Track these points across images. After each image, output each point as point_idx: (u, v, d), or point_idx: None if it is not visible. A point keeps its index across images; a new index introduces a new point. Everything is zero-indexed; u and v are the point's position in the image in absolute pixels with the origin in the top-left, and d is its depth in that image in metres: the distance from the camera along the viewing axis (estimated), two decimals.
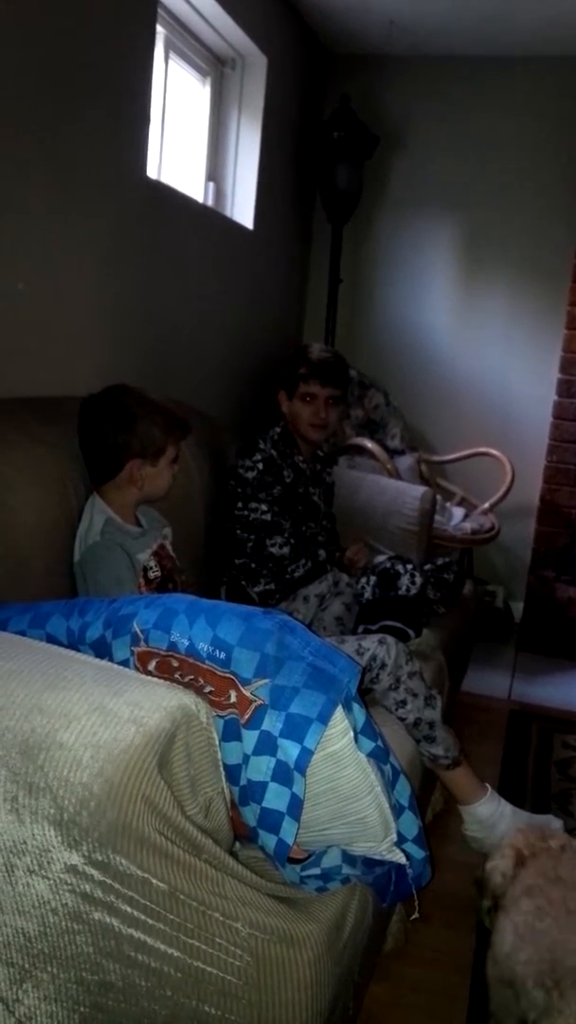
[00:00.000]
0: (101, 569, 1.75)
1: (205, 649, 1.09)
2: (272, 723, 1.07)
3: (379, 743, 1.18)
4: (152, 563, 1.87)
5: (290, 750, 1.07)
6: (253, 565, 2.29)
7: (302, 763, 1.07)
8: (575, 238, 3.59)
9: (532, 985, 1.31)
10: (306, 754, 1.06)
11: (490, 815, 1.90)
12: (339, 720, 1.11)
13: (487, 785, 1.92)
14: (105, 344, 2.37)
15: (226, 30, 2.98)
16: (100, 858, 1.00)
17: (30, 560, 1.68)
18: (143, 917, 1.04)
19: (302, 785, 1.08)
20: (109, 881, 1.01)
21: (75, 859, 1.00)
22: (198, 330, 2.97)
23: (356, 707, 1.16)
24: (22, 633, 1.20)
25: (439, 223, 3.84)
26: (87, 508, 1.82)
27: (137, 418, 1.83)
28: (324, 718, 1.06)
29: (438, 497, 3.35)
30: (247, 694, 1.08)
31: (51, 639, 1.18)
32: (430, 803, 2.03)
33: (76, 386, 1.93)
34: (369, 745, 1.16)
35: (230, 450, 2.55)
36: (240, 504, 2.30)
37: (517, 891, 1.46)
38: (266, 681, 1.07)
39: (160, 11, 2.62)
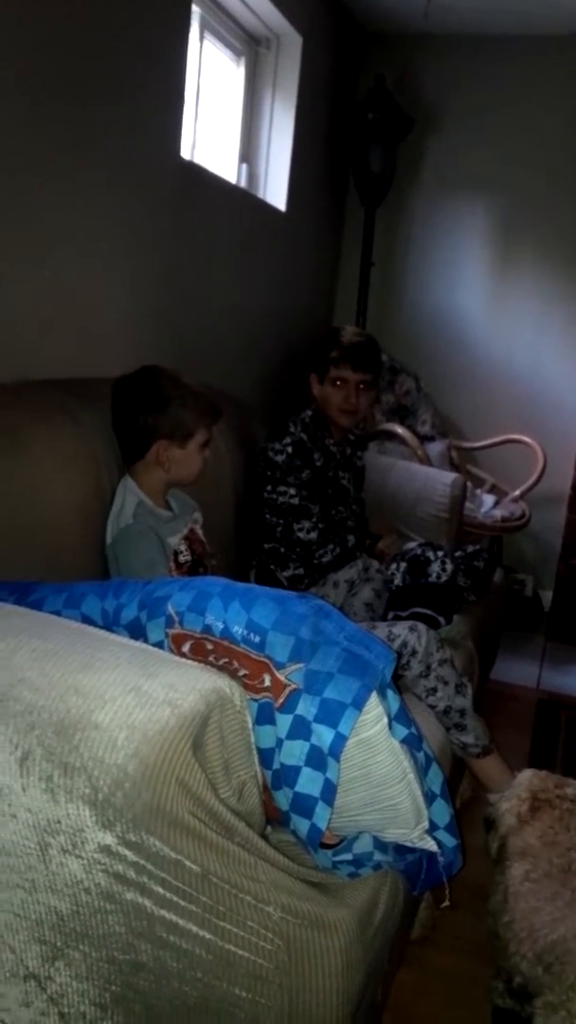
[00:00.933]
0: (133, 552, 1.75)
1: (240, 632, 1.08)
2: (306, 708, 1.06)
3: (412, 730, 1.17)
4: (183, 547, 1.87)
5: (324, 735, 1.06)
6: (282, 549, 2.28)
7: (336, 748, 1.06)
8: None
9: (513, 951, 1.33)
10: (340, 739, 1.05)
11: None
12: (373, 706, 1.10)
13: (517, 775, 1.90)
14: (139, 325, 2.37)
15: (261, 9, 2.95)
16: (134, 839, 1.00)
17: (64, 539, 1.69)
18: (175, 898, 1.04)
19: (336, 770, 1.07)
20: (142, 862, 1.01)
21: (109, 839, 1.00)
22: (230, 312, 2.96)
23: (391, 693, 1.15)
24: (57, 613, 1.20)
25: (473, 206, 3.79)
26: (119, 490, 1.82)
27: (168, 400, 1.83)
28: (358, 703, 1.05)
29: (468, 484, 3.32)
30: (281, 678, 1.07)
31: (86, 620, 1.18)
32: (459, 791, 2.02)
33: (110, 367, 1.92)
34: (403, 732, 1.15)
35: (260, 433, 2.54)
36: (269, 487, 2.29)
37: (518, 845, 1.47)
38: (301, 665, 1.07)
39: None
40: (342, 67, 3.66)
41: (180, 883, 1.03)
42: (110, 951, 1.08)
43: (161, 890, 1.03)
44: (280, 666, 1.07)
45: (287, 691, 1.07)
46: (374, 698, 1.10)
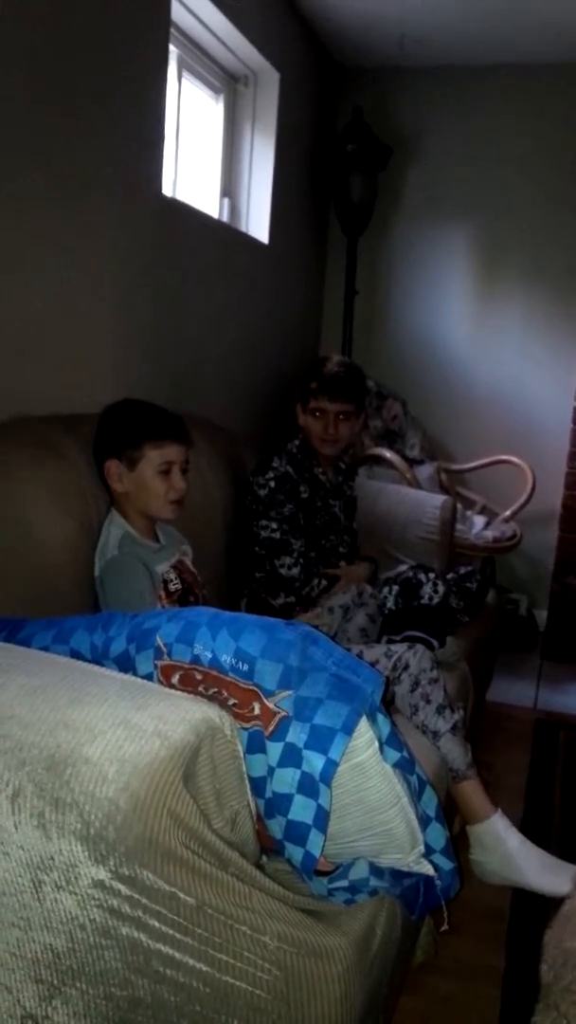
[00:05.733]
0: (121, 583, 1.75)
1: (228, 661, 1.09)
2: (296, 735, 1.07)
3: (404, 753, 1.18)
4: (172, 575, 1.88)
5: (315, 762, 1.06)
6: (272, 580, 2.30)
7: (327, 774, 1.06)
8: None
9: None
10: (331, 765, 1.06)
11: (492, 840, 1.84)
12: (364, 731, 1.10)
13: (497, 809, 1.87)
14: (124, 360, 2.39)
15: (238, 47, 3.01)
16: (127, 872, 1.00)
17: (53, 575, 1.70)
18: (171, 932, 1.03)
19: (328, 797, 1.08)
20: (136, 896, 1.01)
21: (102, 874, 1.00)
22: (216, 344, 2.99)
23: (381, 718, 1.15)
24: (46, 649, 1.21)
25: (454, 232, 3.84)
26: (106, 523, 1.83)
27: (115, 417, 1.85)
28: (348, 729, 1.06)
29: (459, 506, 3.34)
30: (271, 706, 1.08)
31: (75, 654, 1.19)
32: (457, 814, 2.01)
33: (96, 403, 1.94)
34: (395, 756, 1.16)
35: (250, 464, 2.56)
36: (254, 520, 2.32)
37: None
38: (290, 693, 1.07)
39: (173, 31, 2.65)
40: (320, 101, 3.73)
41: (175, 916, 1.03)
42: (107, 987, 1.07)
43: (157, 924, 1.03)
44: (269, 694, 1.08)
45: (277, 719, 1.08)
46: (364, 723, 1.10)
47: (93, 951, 1.06)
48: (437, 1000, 1.67)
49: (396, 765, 1.16)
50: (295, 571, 2.30)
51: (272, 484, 2.34)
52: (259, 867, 1.18)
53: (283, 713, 1.07)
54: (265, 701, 1.08)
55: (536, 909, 1.90)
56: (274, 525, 2.32)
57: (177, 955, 1.05)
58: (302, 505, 2.40)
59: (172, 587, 1.87)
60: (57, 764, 0.99)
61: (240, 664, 1.08)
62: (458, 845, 1.83)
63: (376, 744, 1.12)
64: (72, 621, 1.22)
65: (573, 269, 3.65)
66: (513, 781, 2.50)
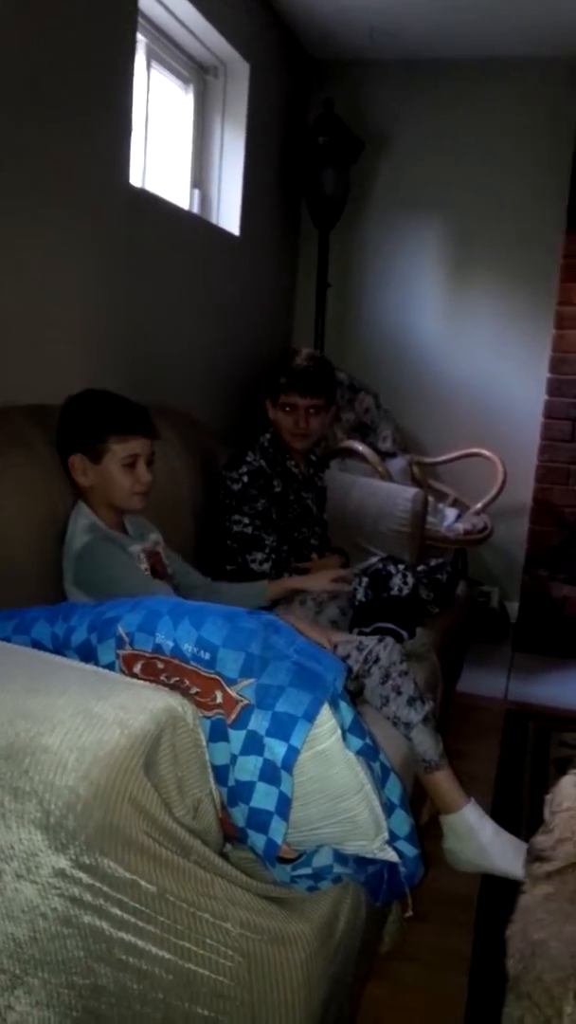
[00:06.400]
0: (105, 563, 1.73)
1: (190, 650, 1.09)
2: (258, 722, 1.07)
3: (367, 741, 1.18)
4: (142, 560, 1.87)
5: (277, 749, 1.07)
6: (243, 574, 2.30)
7: (289, 761, 1.06)
8: (562, 237, 3.60)
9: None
10: (292, 752, 1.06)
11: (466, 829, 1.85)
12: (326, 719, 1.11)
13: (470, 798, 1.89)
14: (94, 351, 2.38)
15: (208, 38, 3.00)
16: (88, 861, 0.99)
17: (17, 569, 1.68)
18: (133, 919, 1.03)
19: (290, 784, 1.08)
20: (98, 884, 1.01)
21: (63, 863, 1.00)
22: (187, 336, 2.97)
23: (343, 705, 1.16)
24: (7, 639, 1.20)
25: (426, 225, 3.85)
26: (72, 515, 1.81)
27: (77, 410, 1.82)
28: (310, 716, 1.06)
29: (430, 498, 3.35)
30: (233, 694, 1.08)
31: (36, 644, 1.18)
32: (426, 802, 2.02)
33: (63, 393, 1.92)
34: (357, 743, 1.16)
35: (222, 456, 2.55)
36: (226, 515, 2.32)
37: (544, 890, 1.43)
38: (251, 681, 1.07)
39: (141, 20, 2.63)
40: (291, 92, 3.72)
41: (137, 903, 1.03)
42: (70, 976, 1.07)
43: (118, 911, 1.03)
44: (231, 682, 1.08)
45: (239, 707, 1.08)
46: (327, 710, 1.10)
47: (55, 940, 1.05)
48: (404, 988, 1.67)
49: (359, 752, 1.16)
50: (266, 566, 2.30)
51: (245, 479, 2.34)
52: (223, 855, 1.18)
53: (245, 701, 1.07)
54: (227, 689, 1.08)
55: (504, 897, 1.91)
56: (247, 520, 2.32)
57: (139, 943, 1.05)
58: (275, 499, 2.40)
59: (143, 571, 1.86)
60: (16, 753, 0.99)
61: (202, 653, 1.08)
62: (425, 834, 1.85)
63: (339, 732, 1.12)
64: (33, 612, 1.22)
65: (544, 263, 3.67)
66: (483, 771, 2.51)
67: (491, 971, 1.69)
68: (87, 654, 1.15)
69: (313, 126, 3.58)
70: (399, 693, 1.86)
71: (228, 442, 2.76)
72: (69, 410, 1.84)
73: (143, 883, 1.01)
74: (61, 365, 2.21)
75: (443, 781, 1.88)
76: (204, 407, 3.03)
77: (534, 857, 1.54)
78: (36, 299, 2.09)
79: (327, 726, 1.11)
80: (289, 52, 3.65)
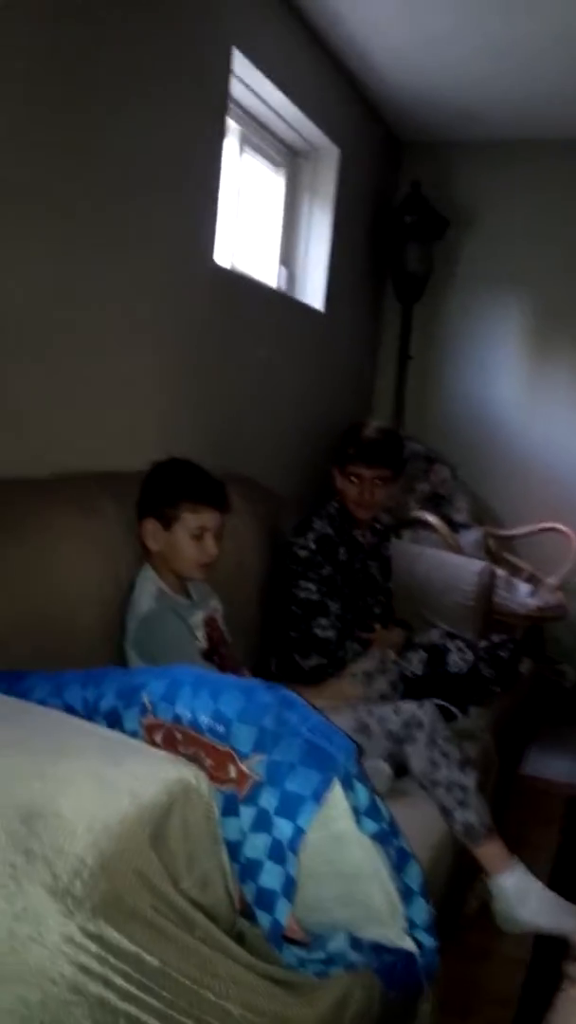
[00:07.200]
0: (159, 636, 1.79)
1: (206, 722, 1.12)
2: (268, 800, 1.08)
3: (383, 825, 1.18)
4: (200, 633, 1.92)
5: (284, 828, 1.07)
6: (306, 641, 2.31)
7: (295, 842, 1.07)
8: None
9: None
10: (299, 833, 1.07)
11: (518, 889, 1.82)
12: (339, 800, 1.11)
13: (516, 858, 1.85)
14: (173, 421, 2.46)
15: (299, 124, 3.13)
16: (93, 929, 1.01)
17: (77, 632, 1.75)
18: (137, 992, 1.04)
19: (295, 865, 1.08)
20: (104, 953, 1.03)
21: (71, 929, 1.02)
22: (268, 408, 3.05)
23: (360, 787, 1.15)
24: (43, 702, 1.25)
25: (508, 301, 3.87)
26: (139, 578, 1.88)
27: (158, 476, 1.90)
28: (318, 797, 1.07)
29: (504, 572, 3.31)
30: (245, 769, 1.10)
31: (69, 709, 1.23)
32: (474, 890, 1.96)
33: (138, 460, 1.99)
34: (373, 827, 1.16)
35: (288, 524, 2.59)
36: (292, 581, 2.34)
37: None
38: (263, 757, 1.09)
39: (234, 107, 2.78)
40: (379, 173, 3.83)
41: (141, 976, 1.04)
42: None
43: (123, 983, 1.04)
44: (244, 757, 1.10)
45: (250, 782, 1.09)
46: (339, 791, 1.11)
47: (64, 1007, 1.07)
48: None
49: (375, 836, 1.16)
50: (330, 633, 2.31)
51: (312, 546, 2.37)
52: (239, 931, 1.18)
53: (256, 777, 1.09)
54: (240, 764, 1.10)
55: (546, 995, 1.83)
56: (312, 587, 2.34)
57: (143, 1016, 1.05)
58: (340, 567, 2.42)
59: (199, 646, 1.90)
60: (30, 816, 1.03)
61: (217, 725, 1.11)
62: (474, 925, 1.80)
63: (352, 814, 1.12)
64: (68, 675, 1.27)
65: None
66: (540, 856, 2.42)
67: None
68: (114, 721, 1.19)
69: (400, 206, 3.68)
70: (447, 757, 1.82)
71: (299, 511, 2.80)
72: (152, 475, 1.93)
73: (145, 956, 1.03)
74: (136, 432, 2.30)
75: (494, 846, 1.85)
76: (282, 479, 3.08)
77: (573, 957, 1.50)
78: (115, 367, 2.19)
79: (340, 808, 1.11)
80: (378, 135, 3.77)
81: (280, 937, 1.11)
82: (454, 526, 3.31)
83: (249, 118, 3.00)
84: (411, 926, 1.23)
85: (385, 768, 1.84)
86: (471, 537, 3.40)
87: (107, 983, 1.04)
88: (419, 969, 1.24)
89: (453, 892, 1.85)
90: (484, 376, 3.90)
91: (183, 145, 2.34)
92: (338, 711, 1.94)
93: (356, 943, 1.21)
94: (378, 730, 1.86)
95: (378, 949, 1.22)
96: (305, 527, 2.41)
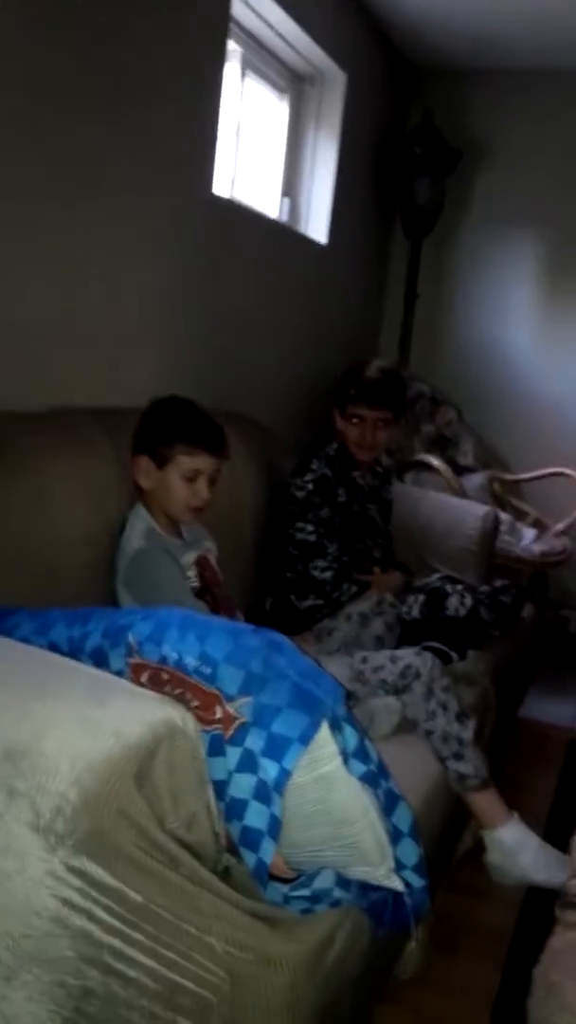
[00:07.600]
0: (153, 572, 1.77)
1: (192, 664, 1.10)
2: (254, 741, 1.07)
3: (372, 767, 1.17)
4: (192, 572, 1.90)
5: (269, 769, 1.06)
6: (303, 582, 2.30)
7: (280, 783, 1.06)
8: None
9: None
10: (284, 774, 1.06)
11: (514, 843, 1.82)
12: (326, 742, 1.10)
13: (514, 813, 1.85)
14: (167, 355, 2.42)
15: (303, 47, 3.01)
16: (76, 864, 1.01)
17: (72, 568, 1.73)
18: (120, 926, 1.05)
19: (280, 805, 1.07)
20: (86, 887, 1.03)
21: (53, 864, 1.02)
22: (268, 344, 2.99)
23: (348, 729, 1.14)
24: (27, 640, 1.23)
25: (523, 238, 3.77)
26: (130, 516, 1.85)
27: (156, 413, 1.85)
28: (305, 739, 1.06)
29: (509, 517, 3.27)
30: (231, 711, 1.08)
31: (53, 647, 1.21)
32: (470, 827, 1.98)
33: (135, 397, 1.95)
34: (361, 768, 1.15)
35: (287, 465, 2.56)
36: (290, 522, 2.32)
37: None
38: (250, 699, 1.08)
39: (236, 29, 2.67)
40: (389, 101, 3.70)
41: (124, 911, 1.04)
42: (61, 975, 1.09)
43: (106, 916, 1.04)
44: (230, 698, 1.08)
45: (236, 724, 1.08)
46: (326, 733, 1.10)
47: (48, 939, 1.08)
48: (423, 1018, 1.64)
49: (362, 777, 1.15)
50: (327, 575, 2.29)
51: (310, 487, 2.34)
52: (225, 868, 1.18)
53: (243, 719, 1.08)
54: (226, 705, 1.08)
55: (539, 936, 1.85)
56: (310, 527, 2.31)
57: (127, 949, 1.06)
58: (339, 508, 2.39)
59: (190, 584, 1.88)
60: (14, 754, 1.02)
61: (204, 667, 1.09)
62: (467, 862, 1.82)
63: (340, 756, 1.11)
64: (55, 614, 1.25)
65: None
66: (538, 799, 2.44)
67: (514, 1010, 1.64)
68: (100, 660, 1.18)
69: (410, 135, 3.56)
70: (445, 708, 1.82)
71: (298, 451, 2.76)
72: (149, 412, 1.88)
73: (129, 891, 1.03)
74: (134, 369, 2.26)
75: (489, 798, 1.85)
76: (279, 414, 3.04)
77: (565, 903, 1.50)
78: (112, 303, 2.14)
79: (327, 750, 1.10)
80: (388, 60, 3.63)
81: (265, 875, 1.10)
82: (459, 469, 3.27)
83: (251, 40, 2.88)
84: (400, 867, 1.23)
85: (394, 703, 1.83)
86: (476, 481, 3.36)
87: (91, 916, 1.05)
88: (408, 909, 1.24)
89: (449, 832, 1.86)
90: (495, 316, 3.82)
91: (181, 67, 2.25)
92: (333, 659, 1.93)
93: (343, 881, 1.21)
94: (374, 679, 1.85)
95: (365, 887, 1.23)
96: (303, 468, 2.38)
